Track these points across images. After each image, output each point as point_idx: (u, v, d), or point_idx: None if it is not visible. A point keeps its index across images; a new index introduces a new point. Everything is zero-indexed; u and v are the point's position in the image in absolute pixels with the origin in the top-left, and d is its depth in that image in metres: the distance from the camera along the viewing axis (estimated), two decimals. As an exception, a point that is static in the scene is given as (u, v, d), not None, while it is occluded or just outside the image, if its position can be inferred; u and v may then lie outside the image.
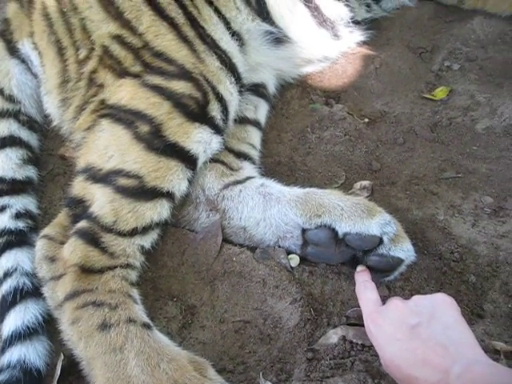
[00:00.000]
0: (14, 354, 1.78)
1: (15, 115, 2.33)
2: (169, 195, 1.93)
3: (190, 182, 2.01)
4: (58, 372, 1.77)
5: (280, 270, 1.94)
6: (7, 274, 1.94)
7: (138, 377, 1.63)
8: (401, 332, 1.52)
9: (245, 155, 2.22)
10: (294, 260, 1.98)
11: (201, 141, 1.99)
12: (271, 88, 2.49)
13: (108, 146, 1.95)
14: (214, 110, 2.04)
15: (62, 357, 1.80)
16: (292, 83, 2.64)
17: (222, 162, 2.14)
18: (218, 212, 2.06)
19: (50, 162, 2.41)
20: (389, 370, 1.56)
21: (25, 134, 2.33)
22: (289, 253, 2.00)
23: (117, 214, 1.86)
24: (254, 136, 2.32)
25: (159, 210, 1.91)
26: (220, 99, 2.06)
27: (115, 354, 1.68)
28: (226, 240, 2.05)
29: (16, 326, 1.83)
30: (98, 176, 1.93)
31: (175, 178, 1.93)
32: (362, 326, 1.73)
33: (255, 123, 2.35)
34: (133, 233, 1.87)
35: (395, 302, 1.62)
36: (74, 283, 1.80)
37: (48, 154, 2.43)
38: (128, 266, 1.88)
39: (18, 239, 2.04)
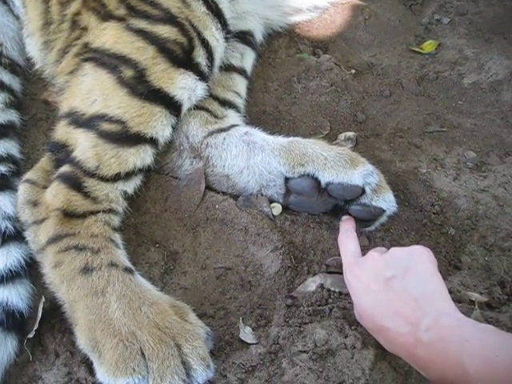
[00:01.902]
0: (-3, 296, 1.79)
1: (-3, 58, 2.29)
2: (152, 141, 1.92)
3: (174, 128, 2.00)
4: (40, 314, 1.78)
5: (262, 218, 1.96)
6: (-11, 218, 1.93)
7: (119, 319, 1.64)
8: (376, 283, 1.55)
9: (230, 103, 2.21)
10: (276, 208, 1.99)
11: (185, 87, 1.97)
12: (258, 36, 2.45)
13: (91, 91, 1.92)
14: (200, 56, 2.01)
15: (44, 299, 1.81)
16: (279, 32, 2.60)
17: (207, 110, 2.12)
18: (201, 159, 2.05)
19: (33, 107, 2.37)
20: (362, 320, 1.60)
21: (7, 78, 2.28)
22: (271, 201, 2.01)
23: (100, 158, 1.85)
24: (240, 84, 2.29)
25: (142, 156, 1.90)
26: (205, 45, 2.03)
27: (97, 297, 1.69)
28: (209, 187, 2.05)
29: (-1, 269, 1.83)
30: (80, 120, 1.91)
31: (159, 124, 1.92)
32: (341, 274, 1.76)
33: (241, 71, 2.32)
34: (116, 178, 1.87)
35: (372, 254, 1.65)
36: (57, 227, 1.80)
37: (31, 99, 2.39)
38: (110, 211, 1.88)
39: (0, 183, 2.01)
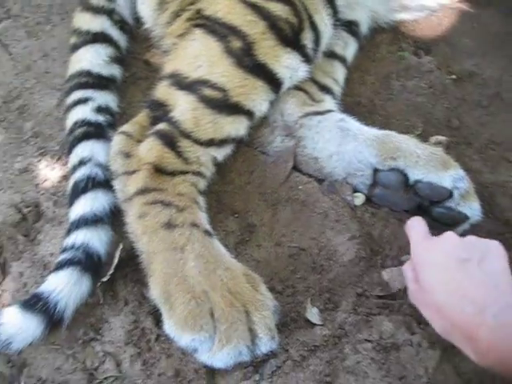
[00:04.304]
0: (80, 236, 1.85)
1: (109, 13, 2.36)
2: (249, 113, 1.95)
3: (271, 104, 2.02)
4: (116, 260, 1.85)
5: (343, 205, 1.97)
6: (82, 162, 2.00)
7: (194, 278, 1.69)
8: (450, 261, 1.53)
9: (328, 89, 2.22)
10: (359, 199, 2.00)
11: (289, 66, 1.99)
12: (363, 28, 2.44)
13: (198, 56, 1.97)
14: (307, 38, 2.02)
15: (121, 247, 1.88)
16: (383, 28, 2.58)
17: (305, 92, 2.14)
18: (293, 138, 2.07)
19: (134, 66, 2.44)
20: (420, 294, 1.60)
21: (115, 33, 2.36)
22: (355, 191, 2.01)
23: (197, 122, 1.90)
24: (339, 72, 2.30)
25: (237, 126, 1.94)
26: (314, 28, 2.04)
27: (176, 252, 1.74)
28: (295, 168, 2.07)
29: (84, 212, 1.90)
30: (183, 83, 1.95)
31: (258, 98, 1.95)
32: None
33: (342, 60, 2.33)
34: (209, 143, 1.91)
35: (450, 234, 1.64)
36: (146, 180, 1.86)
37: (133, 58, 2.46)
38: (199, 173, 1.92)
39: (96, 132, 2.09)
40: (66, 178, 2.07)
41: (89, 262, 1.82)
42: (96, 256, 1.84)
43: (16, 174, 2.10)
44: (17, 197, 2.04)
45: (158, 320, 1.77)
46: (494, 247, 1.56)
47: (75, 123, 2.10)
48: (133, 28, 2.46)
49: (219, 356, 1.61)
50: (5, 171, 2.10)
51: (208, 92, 1.91)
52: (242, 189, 2.05)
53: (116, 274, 1.85)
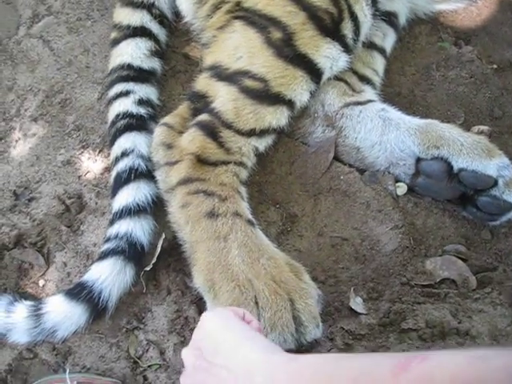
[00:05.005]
0: (123, 226, 1.88)
1: (149, 8, 2.38)
2: (290, 103, 1.95)
3: (312, 95, 2.02)
4: (158, 250, 1.87)
5: (385, 195, 1.96)
6: (124, 154, 2.02)
7: (237, 266, 1.70)
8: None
9: (368, 79, 2.21)
10: (402, 188, 1.99)
11: (329, 56, 1.99)
12: (402, 19, 2.42)
13: (238, 47, 1.98)
14: (347, 28, 2.01)
15: (164, 237, 1.89)
16: (422, 19, 2.55)
17: (346, 82, 2.13)
18: (334, 129, 2.07)
19: (173, 59, 2.45)
20: None
21: (155, 27, 2.37)
22: (397, 181, 2.00)
23: (238, 112, 1.91)
24: (379, 63, 2.28)
25: (278, 116, 1.94)
26: (354, 19, 2.03)
27: (219, 241, 1.75)
28: (336, 158, 2.07)
29: (127, 202, 1.92)
30: (223, 74, 1.97)
31: (299, 88, 1.95)
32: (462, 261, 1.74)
33: (381, 50, 2.31)
34: (250, 133, 1.92)
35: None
36: (189, 170, 1.87)
37: (172, 51, 2.47)
38: (241, 164, 1.93)
39: (138, 124, 2.11)
40: (107, 169, 2.10)
41: (132, 252, 1.84)
42: (139, 246, 1.86)
43: (59, 166, 2.12)
44: (60, 188, 2.06)
45: (200, 309, 1.78)
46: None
47: (117, 115, 2.12)
48: (172, 22, 2.47)
49: None
50: (48, 163, 2.13)
51: (249, 83, 1.91)
52: (283, 179, 2.05)
53: (159, 263, 1.87)
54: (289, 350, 1.58)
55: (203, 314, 1.44)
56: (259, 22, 1.98)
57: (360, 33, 2.09)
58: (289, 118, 1.98)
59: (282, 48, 1.93)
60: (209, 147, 1.90)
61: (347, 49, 2.04)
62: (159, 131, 2.01)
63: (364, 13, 2.08)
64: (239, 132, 1.91)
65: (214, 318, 1.38)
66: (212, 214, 1.80)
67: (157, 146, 1.99)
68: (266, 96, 1.92)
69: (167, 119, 2.04)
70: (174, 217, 1.87)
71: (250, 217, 1.85)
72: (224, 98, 1.93)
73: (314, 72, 1.98)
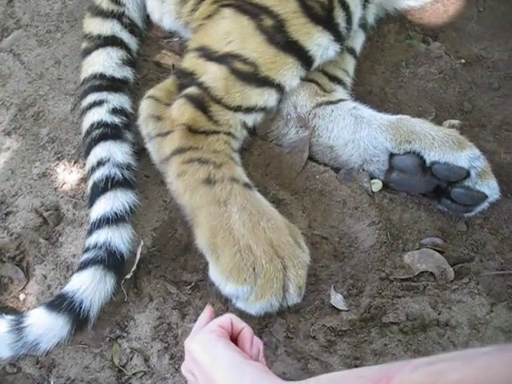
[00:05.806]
0: (101, 236, 1.87)
1: (119, 17, 2.39)
2: (279, 87, 2.00)
3: (301, 80, 2.06)
4: (138, 256, 1.87)
5: (361, 193, 1.98)
6: (100, 163, 2.02)
7: (238, 230, 1.75)
8: None
9: (338, 80, 2.23)
10: (377, 185, 2.01)
11: (320, 44, 2.02)
12: (370, 18, 2.45)
13: (229, 33, 2.00)
14: (339, 17, 2.04)
15: (142, 244, 1.89)
16: (390, 18, 2.59)
17: (317, 83, 2.15)
18: (307, 129, 2.09)
19: (145, 67, 2.46)
20: None
21: (126, 36, 2.38)
22: (372, 177, 2.02)
23: (227, 90, 1.95)
24: (349, 63, 2.30)
25: (266, 98, 1.99)
26: (345, 8, 2.06)
27: (219, 206, 1.80)
28: (311, 158, 2.09)
29: (105, 211, 1.92)
30: (213, 56, 2.00)
31: (288, 74, 1.99)
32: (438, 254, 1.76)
33: (351, 51, 2.32)
34: (237, 109, 1.97)
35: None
36: (182, 140, 1.91)
37: (144, 60, 2.48)
38: (230, 134, 1.97)
39: (113, 132, 2.11)
40: (83, 180, 2.09)
41: (111, 261, 1.84)
42: (118, 254, 1.86)
43: (35, 179, 2.12)
44: (37, 201, 2.06)
45: (183, 314, 1.78)
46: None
47: (92, 125, 2.12)
48: (142, 30, 2.49)
49: (253, 306, 1.73)
50: (24, 177, 2.12)
51: (239, 65, 1.95)
52: (259, 182, 2.05)
53: (139, 271, 1.87)
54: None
55: (186, 342, 1.47)
56: (251, 9, 2.01)
57: (352, 22, 2.12)
58: (277, 100, 2.04)
59: (273, 35, 1.97)
60: (199, 120, 1.94)
61: (339, 38, 2.07)
62: (146, 103, 2.04)
63: (355, 2, 2.11)
64: (228, 107, 1.97)
65: (201, 350, 1.39)
66: (209, 181, 1.84)
67: (145, 118, 2.02)
68: (255, 79, 1.97)
69: (153, 92, 2.07)
70: (172, 186, 1.92)
71: (247, 180, 1.90)
72: (215, 75, 1.97)
73: (304, 59, 2.01)
